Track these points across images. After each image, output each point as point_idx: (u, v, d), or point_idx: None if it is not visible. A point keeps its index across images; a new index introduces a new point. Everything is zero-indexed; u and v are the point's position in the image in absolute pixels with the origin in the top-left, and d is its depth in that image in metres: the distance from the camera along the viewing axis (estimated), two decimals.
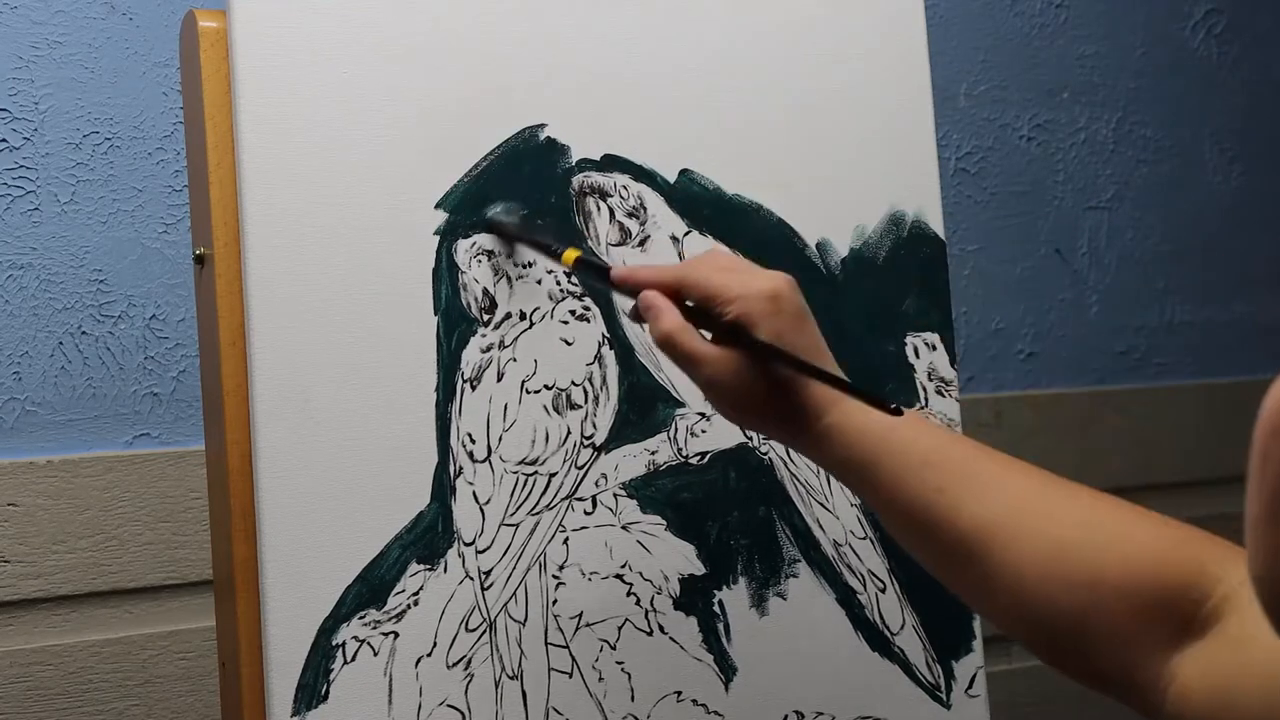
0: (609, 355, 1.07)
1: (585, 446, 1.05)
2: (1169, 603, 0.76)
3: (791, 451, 1.12)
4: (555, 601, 1.04)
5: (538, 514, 1.04)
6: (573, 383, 1.06)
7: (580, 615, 1.05)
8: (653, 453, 1.08)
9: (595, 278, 1.00)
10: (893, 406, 0.84)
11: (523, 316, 1.04)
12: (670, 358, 0.92)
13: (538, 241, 1.02)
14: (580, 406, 1.06)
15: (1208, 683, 0.73)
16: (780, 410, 0.90)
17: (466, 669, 1.01)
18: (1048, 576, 0.79)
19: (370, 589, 0.99)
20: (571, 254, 0.99)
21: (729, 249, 1.11)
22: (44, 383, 1.35)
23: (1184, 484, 1.87)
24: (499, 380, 1.03)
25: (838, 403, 0.88)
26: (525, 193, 1.05)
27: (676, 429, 1.08)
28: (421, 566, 1.00)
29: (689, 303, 0.92)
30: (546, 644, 1.03)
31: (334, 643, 0.97)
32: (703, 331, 0.91)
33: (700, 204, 1.11)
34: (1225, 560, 0.77)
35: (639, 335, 1.08)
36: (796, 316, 0.91)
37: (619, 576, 1.06)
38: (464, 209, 1.03)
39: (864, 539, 1.14)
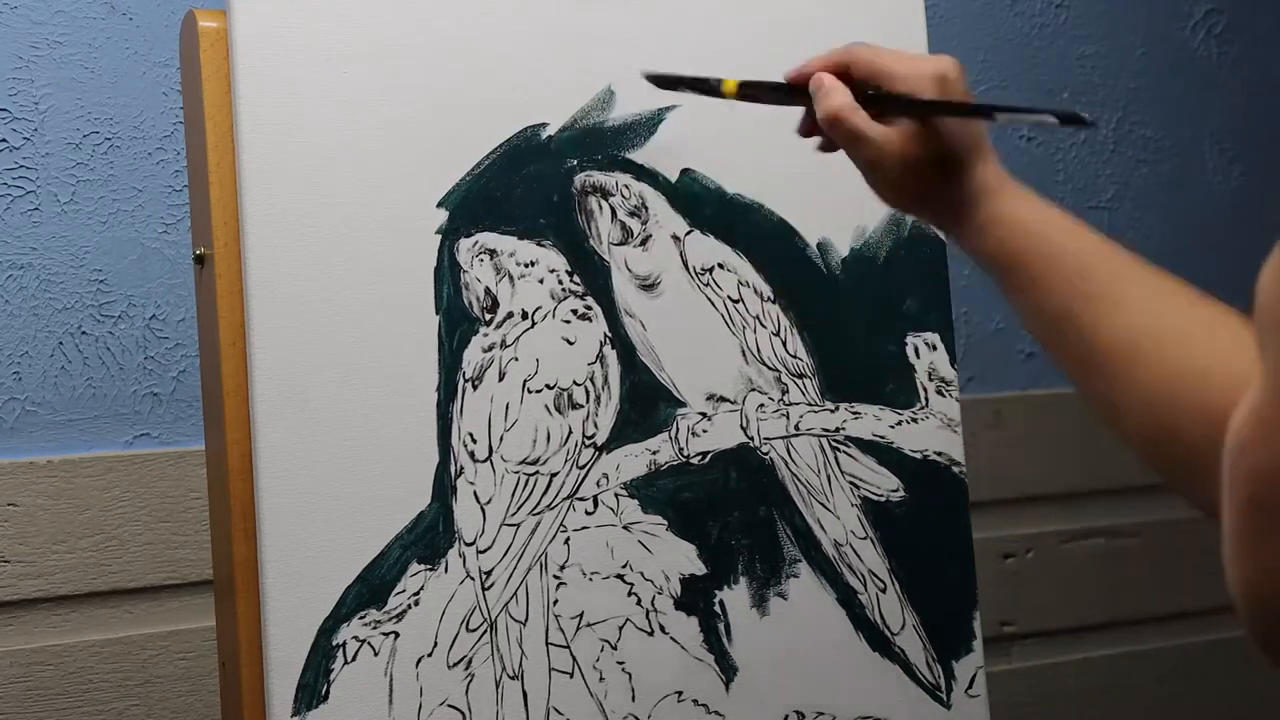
0: (611, 355, 1.07)
1: (586, 446, 1.05)
2: None
3: (792, 451, 1.12)
4: (556, 601, 1.04)
5: (539, 514, 1.04)
6: (574, 382, 1.06)
7: (581, 615, 1.05)
8: (654, 452, 1.08)
9: (769, 94, 0.98)
10: (1076, 116, 0.85)
11: (524, 316, 1.04)
12: (836, 137, 0.91)
13: (699, 82, 1.01)
14: (582, 406, 1.06)
15: None
16: (941, 195, 0.89)
17: (467, 669, 1.01)
18: (1175, 405, 0.78)
19: (370, 589, 0.99)
20: (731, 84, 0.98)
21: (730, 248, 1.11)
22: (44, 383, 1.35)
23: None
24: (500, 380, 1.03)
25: (1000, 193, 0.88)
26: (526, 192, 1.05)
27: (678, 429, 1.08)
28: (422, 566, 1.00)
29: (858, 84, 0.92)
30: (547, 644, 1.03)
31: (334, 643, 0.97)
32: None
33: (702, 203, 1.11)
34: None
35: (640, 335, 1.08)
36: (964, 95, 0.90)
37: (620, 576, 1.06)
38: (465, 208, 1.03)
39: (864, 539, 1.14)
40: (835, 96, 0.90)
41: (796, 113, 1.16)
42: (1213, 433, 0.76)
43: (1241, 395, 0.75)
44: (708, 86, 1.00)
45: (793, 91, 0.94)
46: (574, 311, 1.06)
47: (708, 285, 1.10)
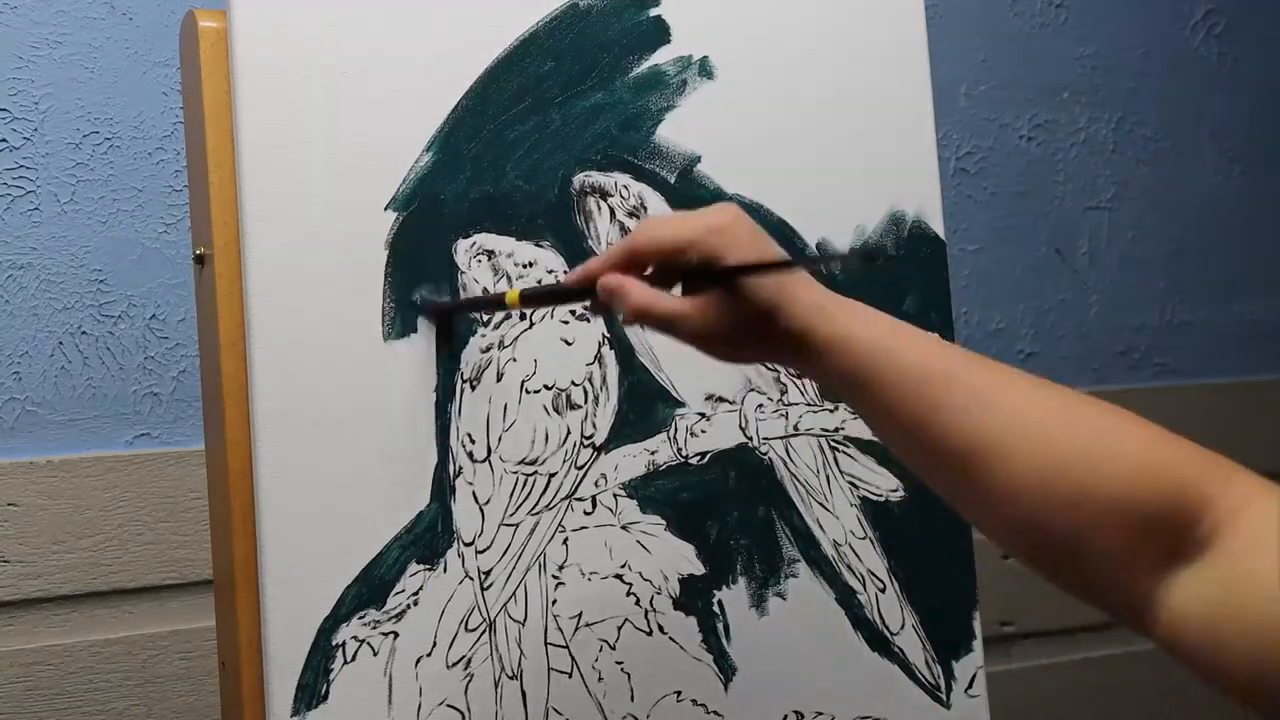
0: (609, 355, 1.07)
1: (585, 446, 1.05)
2: (1161, 523, 0.75)
3: (791, 451, 1.12)
4: (555, 601, 1.04)
5: (537, 514, 1.04)
6: (572, 383, 1.06)
7: (580, 615, 1.05)
8: (652, 453, 1.08)
9: (549, 298, 0.98)
10: (873, 253, 0.84)
11: (522, 316, 1.04)
12: (651, 327, 0.89)
13: (479, 300, 1.00)
14: (580, 406, 1.06)
15: (1200, 611, 0.73)
16: (772, 337, 0.87)
17: (466, 669, 1.01)
18: (1041, 493, 0.78)
19: (370, 589, 0.99)
20: (513, 294, 0.96)
21: None
22: (44, 383, 1.35)
23: None
24: (499, 380, 1.03)
25: (827, 316, 0.86)
26: (526, 192, 1.05)
27: (676, 429, 1.08)
28: (421, 566, 1.00)
29: (648, 270, 0.90)
30: (546, 644, 1.03)
31: (334, 643, 0.97)
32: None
33: (701, 204, 1.10)
34: (1220, 480, 0.76)
35: (639, 335, 1.08)
36: (754, 235, 0.88)
37: (619, 576, 1.06)
38: (465, 208, 1.03)
39: (864, 539, 1.14)
40: (632, 294, 0.87)
41: (797, 112, 1.17)
42: (1083, 513, 0.77)
43: (1107, 475, 0.77)
44: (488, 303, 0.99)
45: (579, 291, 0.92)
46: (572, 312, 1.06)
47: None
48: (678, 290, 0.89)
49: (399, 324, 1.00)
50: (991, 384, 0.83)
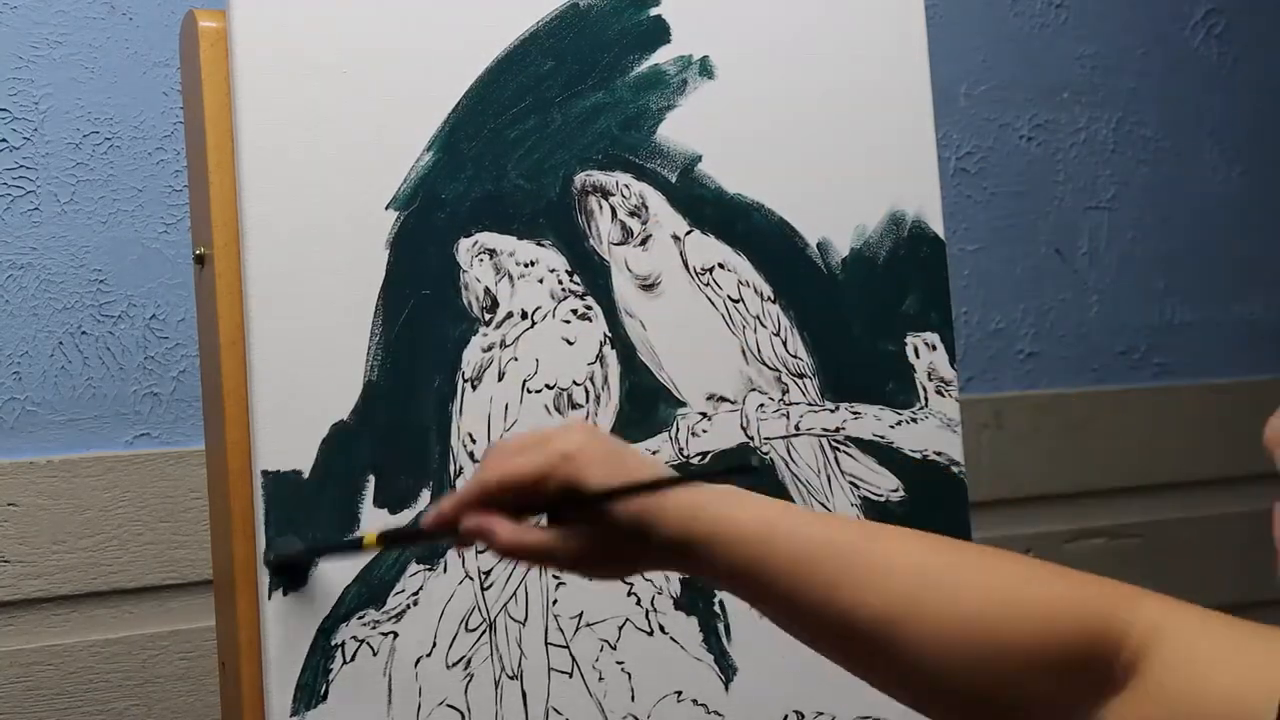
0: (610, 355, 1.07)
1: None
2: (1085, 659, 0.75)
3: (792, 452, 1.12)
4: (555, 601, 1.04)
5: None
6: (574, 382, 1.06)
7: (580, 615, 1.05)
8: (654, 452, 1.07)
9: (409, 539, 0.95)
10: (743, 465, 0.81)
11: (524, 316, 1.04)
12: (524, 562, 0.86)
13: (336, 546, 0.97)
14: (581, 406, 1.06)
15: None
16: (649, 551, 0.83)
17: (466, 669, 1.01)
18: (960, 651, 0.77)
19: (369, 589, 0.99)
20: (371, 536, 0.92)
21: (730, 248, 1.11)
22: (44, 383, 1.35)
23: (1184, 484, 1.87)
24: (500, 379, 1.03)
25: (703, 514, 0.82)
26: (527, 191, 1.05)
27: (677, 428, 1.08)
28: (421, 566, 1.00)
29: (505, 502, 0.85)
30: (546, 644, 1.03)
31: (333, 643, 0.97)
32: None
33: (702, 203, 1.11)
34: (1131, 605, 0.76)
35: (640, 334, 1.08)
36: (611, 453, 0.84)
37: None
38: (466, 207, 1.03)
39: None
40: (499, 534, 0.82)
41: (797, 112, 1.16)
42: (1001, 666, 0.76)
43: (1016, 624, 0.76)
44: (345, 547, 0.96)
45: (440, 531, 0.86)
46: (574, 311, 1.06)
47: (708, 285, 1.11)
48: (543, 519, 0.85)
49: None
50: (889, 550, 0.81)
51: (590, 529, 0.82)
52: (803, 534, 0.81)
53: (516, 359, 1.04)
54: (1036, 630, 0.76)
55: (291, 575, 0.96)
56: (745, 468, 0.80)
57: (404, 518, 1.00)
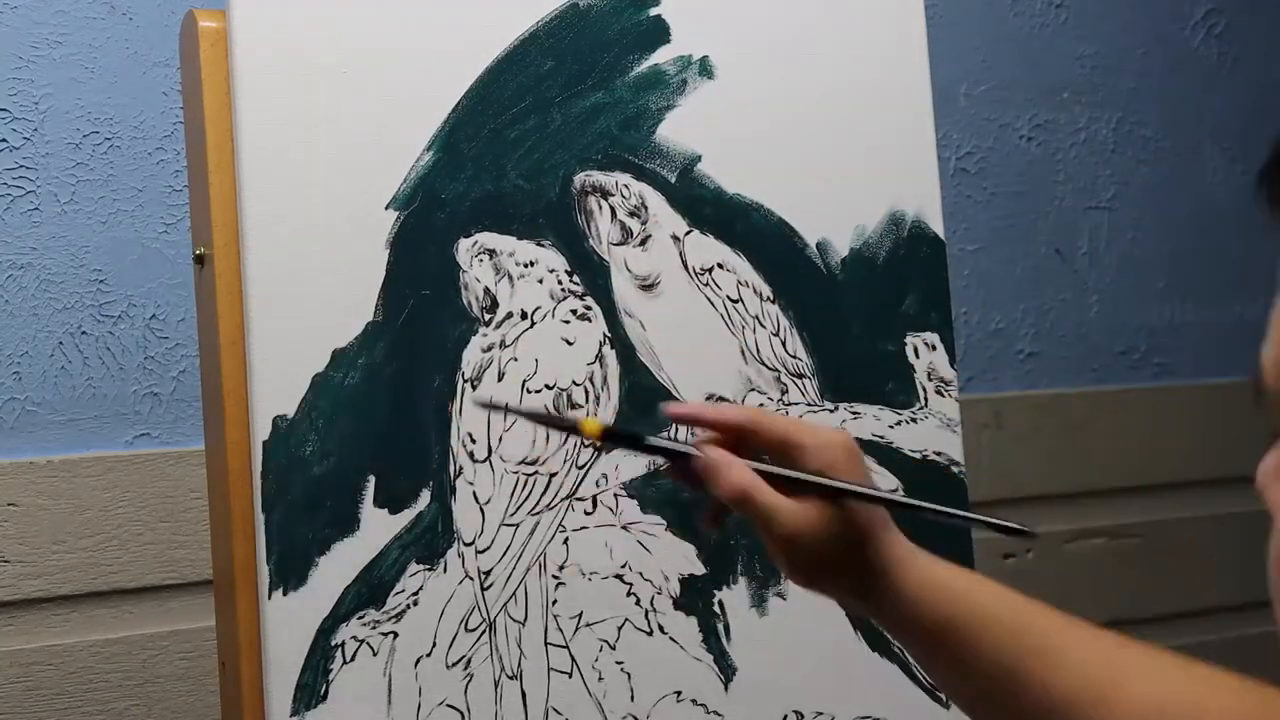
0: (610, 355, 1.07)
1: (586, 446, 1.05)
2: None
3: None
4: (555, 601, 1.04)
5: (538, 514, 1.04)
6: (574, 382, 1.06)
7: (580, 615, 1.05)
8: None
9: (635, 445, 0.90)
10: (1018, 528, 0.82)
11: (524, 316, 1.04)
12: (742, 512, 0.85)
13: (555, 419, 0.98)
14: (581, 406, 1.06)
15: None
16: (857, 568, 0.84)
17: (466, 669, 1.01)
18: None
19: (369, 589, 0.99)
20: (594, 425, 0.88)
21: (730, 248, 1.11)
22: (44, 383, 1.35)
23: (1184, 484, 1.87)
24: (500, 380, 1.03)
25: (914, 560, 0.83)
26: (527, 191, 1.05)
27: (677, 429, 1.08)
28: (421, 567, 1.00)
29: (763, 455, 0.86)
30: (546, 644, 1.03)
31: (333, 643, 0.97)
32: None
33: (701, 203, 1.11)
34: None
35: (640, 335, 1.08)
36: (863, 466, 0.86)
37: (619, 576, 1.06)
38: (466, 207, 1.03)
39: None
40: (736, 471, 0.83)
41: (797, 112, 1.16)
42: None
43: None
44: (566, 425, 0.96)
45: (670, 451, 0.87)
46: (573, 311, 1.06)
47: (707, 285, 1.11)
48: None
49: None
50: (1077, 639, 0.81)
51: (821, 513, 0.83)
52: (1008, 601, 0.82)
53: (516, 359, 1.04)
54: None
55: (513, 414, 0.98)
56: (1019, 530, 0.82)
57: (404, 518, 1.00)
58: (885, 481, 1.15)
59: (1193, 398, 1.89)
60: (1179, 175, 1.92)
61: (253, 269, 0.97)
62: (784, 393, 1.12)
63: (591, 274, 1.07)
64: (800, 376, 1.13)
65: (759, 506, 0.83)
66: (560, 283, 1.05)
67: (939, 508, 0.86)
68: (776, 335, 1.13)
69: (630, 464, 1.07)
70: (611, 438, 0.89)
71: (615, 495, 1.06)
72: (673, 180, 1.10)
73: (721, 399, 1.10)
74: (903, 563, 0.84)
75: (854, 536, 0.83)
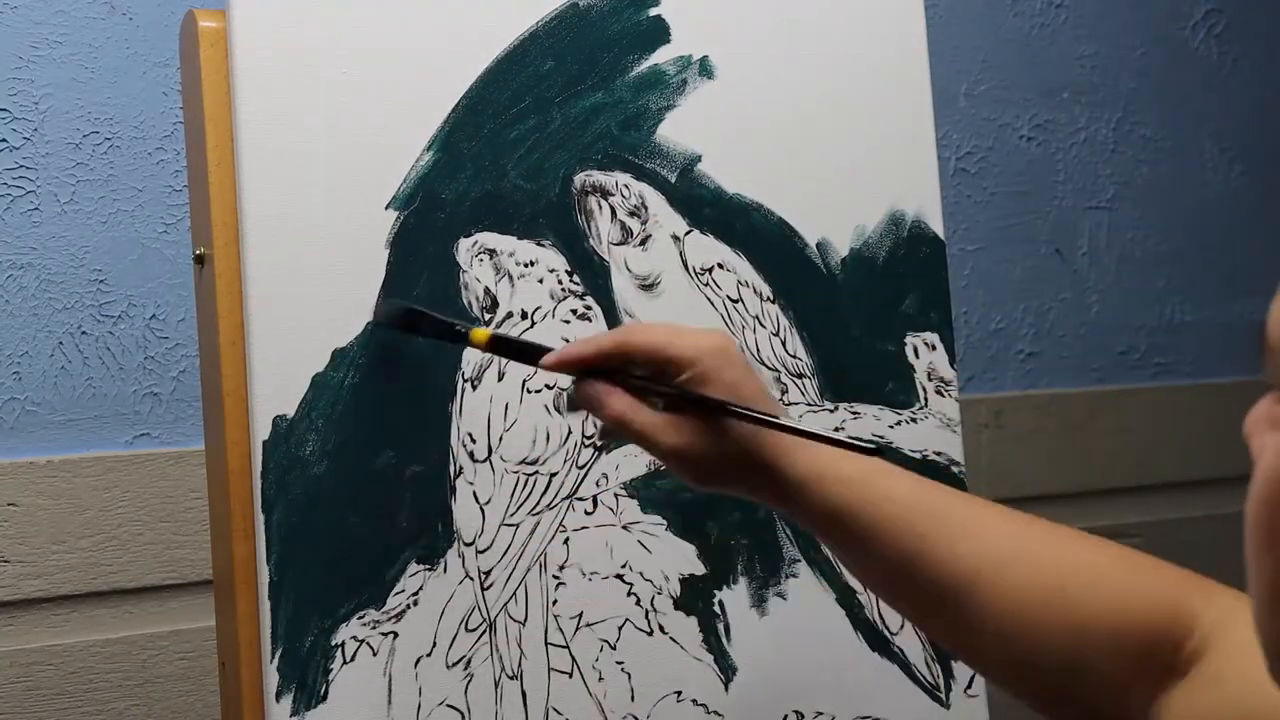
0: None
1: (586, 446, 1.05)
2: (1155, 645, 0.76)
3: None
4: (555, 601, 1.04)
5: (538, 514, 1.04)
6: (574, 382, 1.05)
7: (580, 615, 1.05)
8: None
9: (520, 355, 0.95)
10: (871, 446, 0.83)
11: (524, 315, 1.04)
12: (627, 437, 0.89)
13: (442, 324, 0.97)
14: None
15: None
16: (748, 468, 0.87)
17: (466, 669, 1.01)
18: (1035, 621, 0.78)
19: (369, 589, 0.99)
20: (482, 333, 0.93)
21: (730, 248, 1.11)
22: (44, 383, 1.35)
23: (1184, 484, 1.87)
24: (500, 380, 1.03)
25: (804, 452, 0.85)
26: (527, 190, 1.05)
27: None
28: (421, 566, 1.00)
29: (637, 373, 0.89)
30: (546, 644, 1.03)
31: (333, 643, 0.97)
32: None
33: (701, 203, 1.11)
34: (1204, 595, 0.77)
35: None
36: (746, 369, 0.88)
37: (619, 576, 1.06)
38: (466, 207, 1.03)
39: None
40: (614, 400, 0.87)
41: (797, 112, 1.16)
42: (1080, 640, 0.77)
43: (1101, 602, 0.76)
44: (448, 330, 0.96)
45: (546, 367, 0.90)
46: (573, 311, 1.06)
47: (707, 285, 1.11)
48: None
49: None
50: (984, 514, 0.83)
51: (702, 430, 0.85)
52: (903, 483, 0.84)
53: None
54: (1112, 612, 0.77)
55: (394, 326, 0.98)
56: (875, 448, 0.83)
57: (404, 518, 1.00)
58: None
59: (1193, 398, 1.89)
60: (1179, 175, 1.92)
61: (253, 269, 0.97)
62: (784, 393, 1.12)
63: (591, 274, 1.07)
64: (800, 376, 1.13)
65: (636, 432, 0.87)
66: (560, 283, 1.05)
67: (795, 426, 0.87)
68: (776, 335, 1.13)
69: (631, 464, 1.07)
70: (498, 345, 0.94)
71: (615, 495, 1.06)
72: (673, 180, 1.10)
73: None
74: (789, 454, 0.85)
75: (736, 450, 0.86)
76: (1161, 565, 0.80)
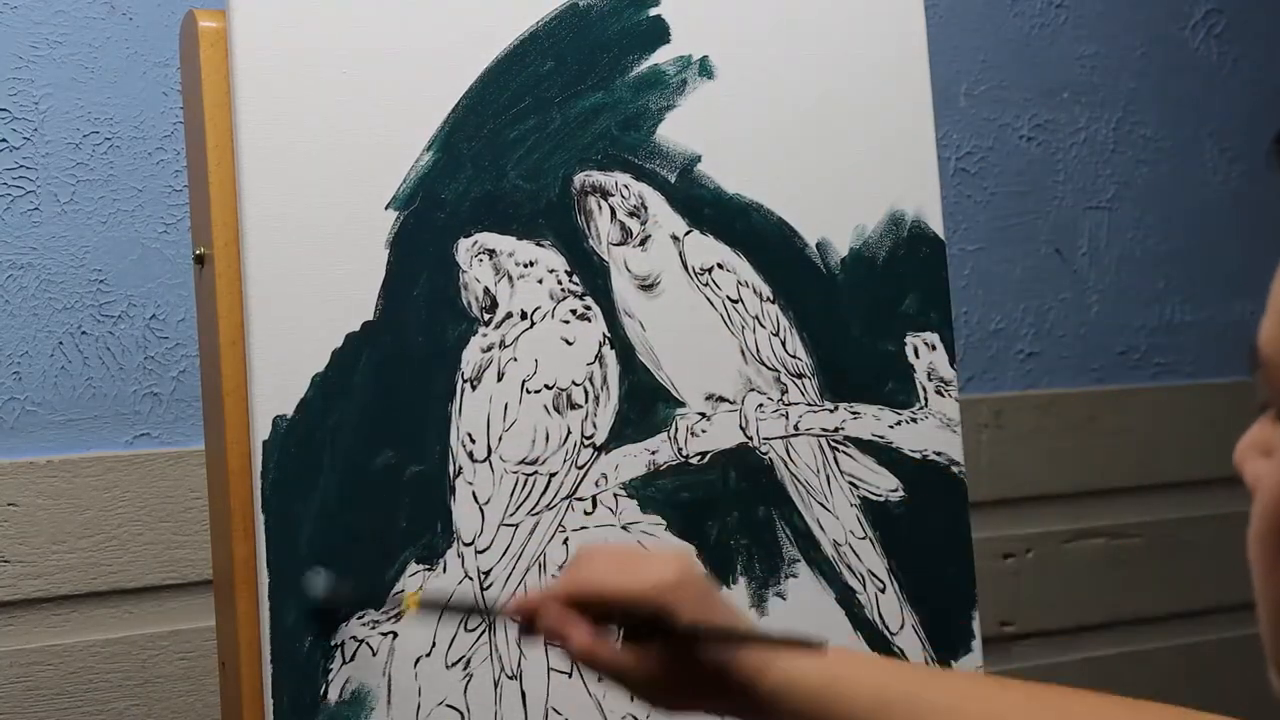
0: (609, 355, 1.07)
1: (585, 446, 1.05)
2: None
3: (791, 452, 1.12)
4: None
5: (537, 514, 1.04)
6: (573, 382, 1.06)
7: None
8: (653, 452, 1.08)
9: (460, 610, 0.97)
10: (814, 643, 0.82)
11: (523, 316, 1.04)
12: (594, 671, 0.88)
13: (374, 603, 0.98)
14: (580, 406, 1.06)
15: None
16: (716, 689, 0.85)
17: (465, 669, 1.01)
18: None
19: (370, 589, 0.99)
20: (413, 598, 0.95)
21: (730, 248, 1.11)
22: (44, 383, 1.35)
23: (1184, 484, 1.87)
24: (499, 380, 1.03)
25: (772, 664, 0.84)
26: (527, 190, 1.05)
27: (677, 429, 1.08)
28: (421, 566, 1.00)
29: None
30: (546, 644, 1.03)
31: (333, 643, 0.97)
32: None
33: (701, 203, 1.11)
34: None
35: (639, 335, 1.08)
36: (704, 592, 0.87)
37: None
38: (466, 207, 1.03)
39: (864, 539, 1.14)
40: (575, 639, 0.85)
41: (797, 112, 1.16)
42: None
43: None
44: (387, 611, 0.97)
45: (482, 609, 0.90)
46: (573, 311, 1.06)
47: (707, 285, 1.11)
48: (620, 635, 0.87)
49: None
50: (944, 693, 0.82)
51: (667, 657, 0.85)
52: (866, 680, 0.83)
53: (516, 359, 1.04)
54: None
55: (324, 623, 0.97)
56: (816, 645, 0.83)
57: (403, 518, 1.00)
58: (885, 481, 1.15)
59: (1193, 398, 1.89)
60: (1179, 175, 1.92)
61: (253, 269, 0.97)
62: (784, 393, 1.12)
63: (591, 274, 1.07)
64: (800, 376, 1.13)
65: (605, 668, 0.86)
66: (560, 283, 1.05)
67: (753, 634, 0.87)
68: (776, 335, 1.13)
69: (630, 464, 1.07)
70: (428, 607, 0.96)
71: (615, 495, 1.06)
72: (672, 180, 1.10)
73: (722, 399, 1.10)
74: (759, 673, 0.84)
75: (706, 672, 0.85)
76: (1141, 707, 0.80)
